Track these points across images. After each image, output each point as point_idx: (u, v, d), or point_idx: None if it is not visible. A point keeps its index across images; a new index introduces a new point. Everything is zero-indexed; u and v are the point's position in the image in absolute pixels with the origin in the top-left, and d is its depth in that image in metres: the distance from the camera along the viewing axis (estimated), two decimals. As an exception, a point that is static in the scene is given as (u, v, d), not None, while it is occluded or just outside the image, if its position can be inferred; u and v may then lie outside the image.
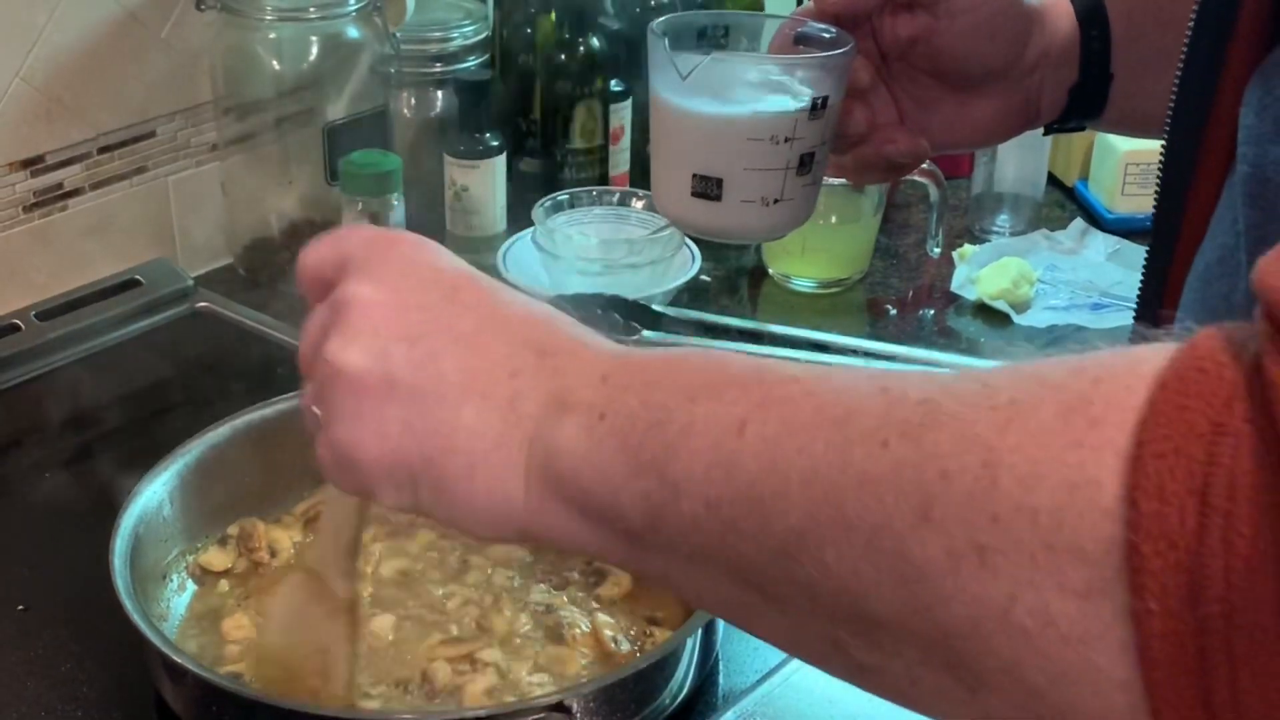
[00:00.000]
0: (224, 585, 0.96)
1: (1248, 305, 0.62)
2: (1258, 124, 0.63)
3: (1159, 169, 0.71)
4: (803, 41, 0.82)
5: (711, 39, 0.84)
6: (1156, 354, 0.41)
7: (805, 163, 0.80)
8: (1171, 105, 0.70)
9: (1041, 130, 0.89)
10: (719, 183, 0.80)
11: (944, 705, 0.45)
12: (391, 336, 0.56)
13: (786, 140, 0.79)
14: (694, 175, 0.81)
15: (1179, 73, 0.69)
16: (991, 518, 0.41)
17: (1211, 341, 0.41)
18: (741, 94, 0.80)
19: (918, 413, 0.44)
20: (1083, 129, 0.90)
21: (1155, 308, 0.71)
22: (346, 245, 0.61)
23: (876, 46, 0.84)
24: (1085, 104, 0.86)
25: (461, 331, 0.56)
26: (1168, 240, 0.70)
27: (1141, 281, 0.73)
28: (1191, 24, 0.68)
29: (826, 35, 0.81)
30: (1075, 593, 0.40)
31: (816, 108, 0.79)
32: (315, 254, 0.62)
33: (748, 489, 0.47)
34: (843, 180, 1.37)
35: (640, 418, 0.51)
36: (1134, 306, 0.74)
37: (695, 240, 1.37)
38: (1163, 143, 0.70)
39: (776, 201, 0.81)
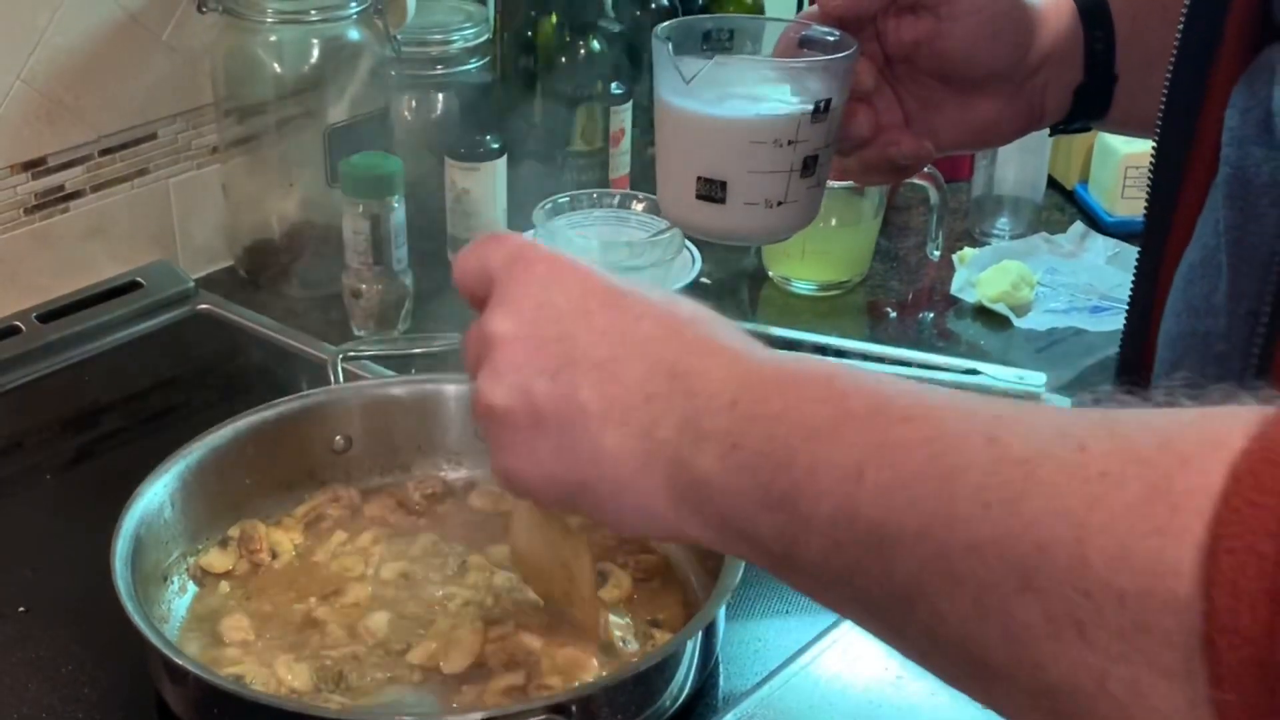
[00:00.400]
0: (224, 586, 0.96)
1: (1227, 307, 0.62)
2: (1240, 126, 0.63)
3: (1149, 171, 0.71)
4: (807, 45, 0.82)
5: (716, 43, 0.84)
6: (1238, 432, 0.42)
7: (809, 165, 0.81)
8: (1162, 108, 0.70)
9: (1047, 131, 0.89)
10: (723, 185, 0.80)
11: None
12: (533, 372, 0.60)
13: (790, 143, 0.79)
14: (698, 178, 0.81)
15: (1168, 76, 0.69)
16: (1084, 593, 0.43)
17: None
18: (744, 97, 0.80)
19: (1018, 475, 0.46)
20: (1088, 129, 0.90)
21: (1147, 309, 0.72)
22: (490, 262, 0.65)
23: (881, 49, 0.84)
24: (1090, 104, 0.86)
25: (598, 359, 0.59)
26: (1158, 241, 0.70)
27: (1133, 282, 0.73)
28: (1180, 29, 0.68)
29: (830, 38, 0.81)
30: (1164, 672, 0.42)
31: (819, 110, 0.79)
32: (463, 269, 0.66)
33: (867, 535, 0.49)
34: (845, 183, 1.39)
35: (767, 453, 0.53)
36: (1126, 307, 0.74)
37: (696, 243, 1.37)
38: (1153, 145, 0.70)
39: (780, 204, 0.81)
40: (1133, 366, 0.73)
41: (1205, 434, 0.43)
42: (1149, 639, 0.42)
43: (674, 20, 0.84)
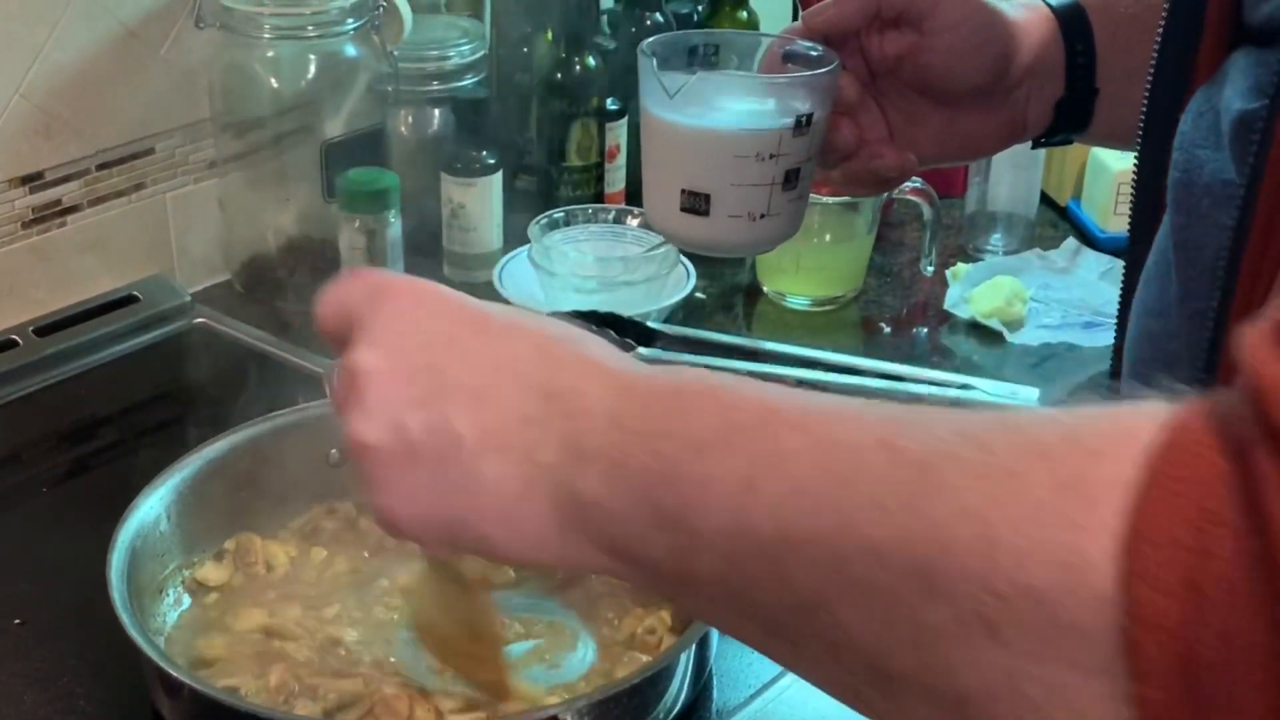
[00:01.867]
0: (214, 596, 0.96)
1: (1177, 308, 0.63)
2: (1192, 131, 0.63)
3: (1132, 186, 0.72)
4: (791, 60, 0.83)
5: (702, 58, 0.85)
6: (1148, 424, 0.41)
7: (791, 178, 0.81)
8: (1141, 121, 0.71)
9: (1029, 144, 0.89)
10: (706, 198, 0.81)
11: None
12: (402, 405, 0.58)
13: (772, 157, 0.80)
14: (682, 191, 0.82)
15: (1147, 89, 0.70)
16: (994, 593, 0.42)
17: (1199, 420, 0.41)
18: (727, 111, 0.81)
19: (917, 478, 0.45)
20: (1069, 142, 0.90)
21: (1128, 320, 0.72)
22: (350, 299, 0.62)
23: (865, 64, 0.85)
24: (1071, 117, 0.86)
25: (470, 386, 0.57)
26: (1141, 254, 0.71)
27: (1120, 295, 0.74)
28: (1157, 43, 0.69)
29: (814, 54, 0.82)
30: (1083, 670, 0.40)
31: (801, 125, 0.80)
32: (324, 310, 0.64)
33: (761, 548, 0.48)
34: (840, 199, 1.39)
35: (654, 470, 0.52)
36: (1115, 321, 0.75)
37: (690, 257, 1.38)
38: (1135, 158, 0.71)
39: (763, 216, 0.82)
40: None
41: (1116, 427, 0.42)
42: (1066, 637, 0.41)
43: (660, 35, 0.85)
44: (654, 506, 0.51)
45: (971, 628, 0.42)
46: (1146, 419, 0.42)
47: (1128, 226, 0.73)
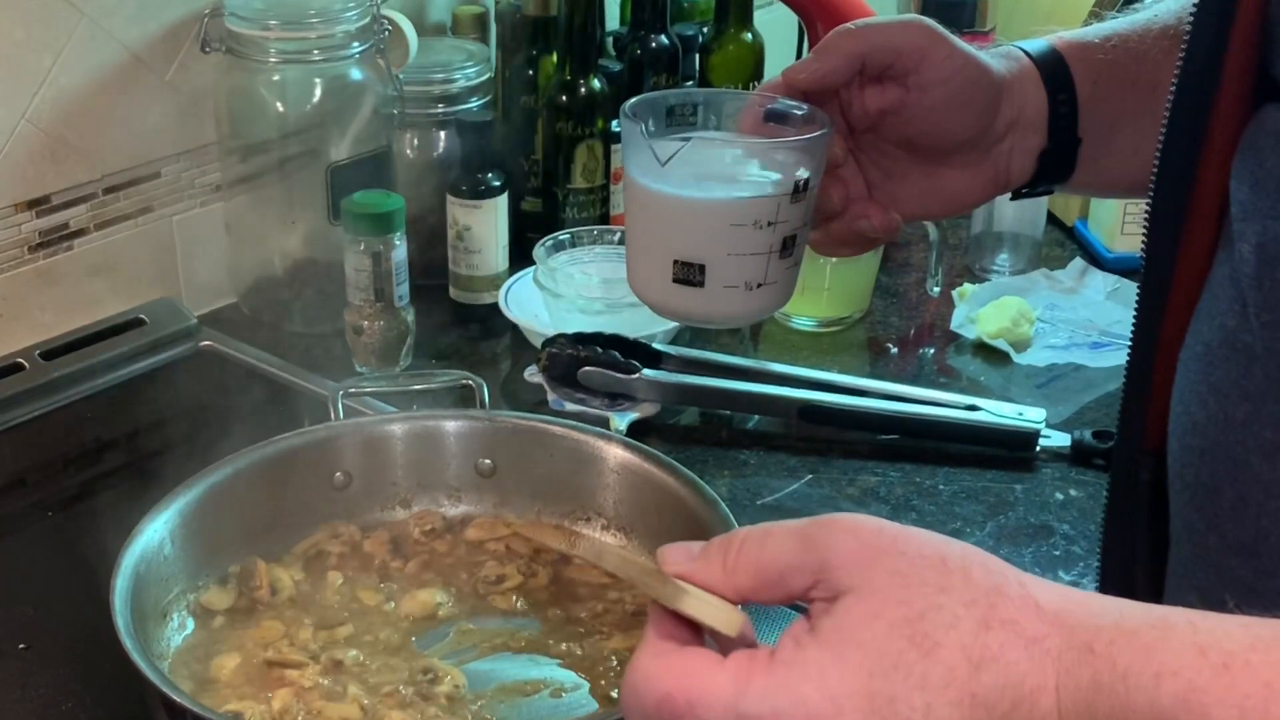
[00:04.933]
0: (218, 621, 0.96)
1: (1264, 391, 0.62)
2: (1254, 198, 0.62)
3: (1145, 221, 0.71)
4: (773, 118, 0.80)
5: (680, 118, 0.81)
6: None
7: (788, 245, 0.79)
8: (1158, 156, 0.70)
9: (1009, 196, 0.88)
10: (701, 269, 0.78)
11: None
12: None
13: (770, 224, 0.77)
14: (675, 261, 0.78)
15: (1164, 122, 0.69)
16: None
17: None
18: (722, 178, 0.78)
19: None
20: (1051, 192, 0.89)
21: (1150, 356, 0.71)
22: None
23: (845, 120, 0.82)
24: (1054, 168, 0.85)
25: None
26: (1161, 283, 0.70)
27: (1135, 321, 0.73)
28: (1178, 69, 0.68)
29: (798, 112, 0.80)
30: None
31: (799, 190, 0.77)
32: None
33: None
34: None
35: None
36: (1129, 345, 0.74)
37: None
38: (1150, 184, 0.70)
39: (760, 285, 0.79)
40: (1137, 414, 0.73)
41: None
42: None
43: (638, 98, 0.81)
44: None
45: None
46: None
47: (1141, 254, 0.72)
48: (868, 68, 0.81)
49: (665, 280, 0.79)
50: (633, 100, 0.80)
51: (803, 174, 0.78)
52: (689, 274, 0.78)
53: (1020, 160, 0.84)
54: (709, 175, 0.78)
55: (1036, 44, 0.85)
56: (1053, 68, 0.84)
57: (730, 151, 0.80)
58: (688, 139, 0.79)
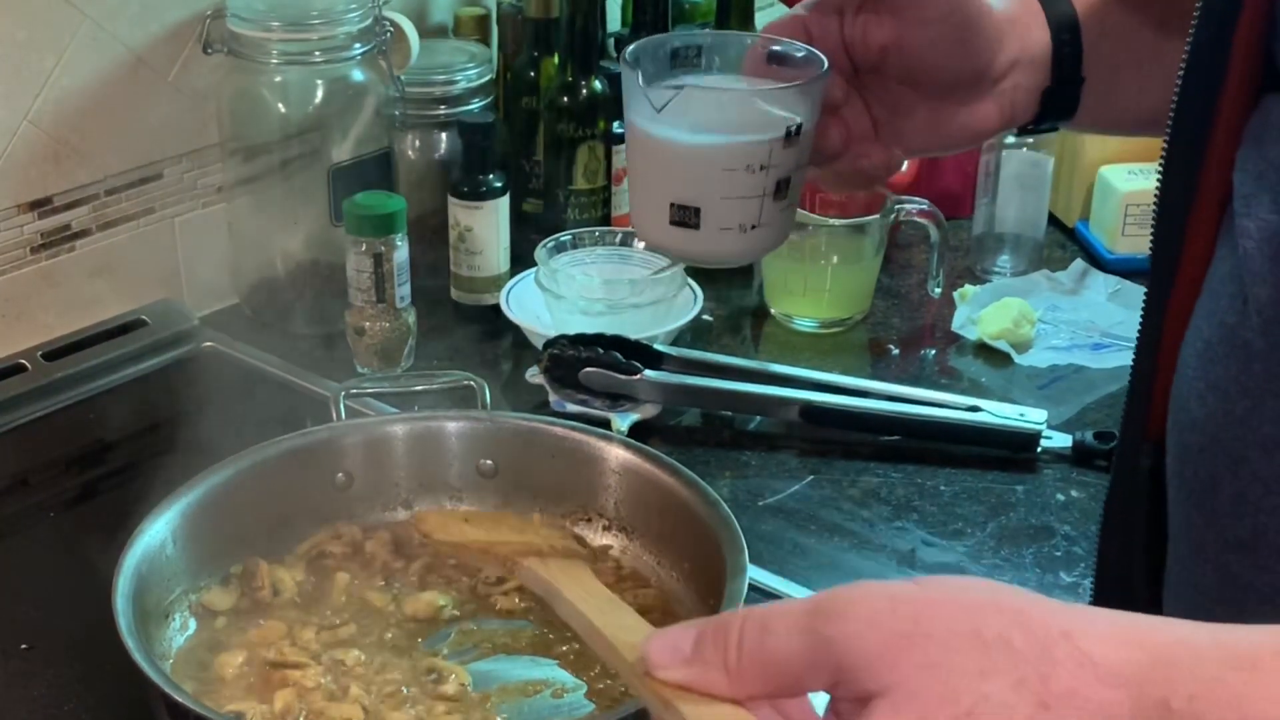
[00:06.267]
0: (221, 621, 0.96)
1: (1263, 387, 0.62)
2: (1257, 191, 0.61)
3: (1154, 211, 0.71)
4: (775, 60, 0.81)
5: (684, 60, 0.83)
6: None
7: (781, 188, 0.80)
8: (1165, 142, 0.70)
9: (1015, 131, 0.88)
10: (696, 211, 0.80)
11: None
12: None
13: (762, 168, 0.79)
14: (672, 204, 0.81)
15: (1169, 125, 0.69)
16: None
17: None
18: (716, 124, 0.80)
19: None
20: (1055, 130, 0.90)
21: (1153, 350, 0.71)
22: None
23: (849, 59, 0.83)
24: (1058, 107, 0.85)
25: None
26: (1165, 277, 0.70)
27: (1141, 319, 0.73)
28: (1183, 64, 0.68)
29: (799, 54, 0.81)
30: None
31: (791, 134, 0.79)
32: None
33: None
34: (847, 220, 1.39)
35: None
36: (1133, 346, 0.74)
37: (698, 279, 1.38)
38: (1158, 174, 0.70)
39: (754, 227, 0.81)
40: (1140, 406, 0.73)
41: None
42: None
43: (640, 41, 0.82)
44: None
45: None
46: None
47: (1149, 247, 0.72)
48: None
49: (664, 221, 0.81)
50: (635, 44, 0.82)
51: (795, 119, 0.79)
52: (685, 216, 0.80)
53: (1024, 97, 0.85)
54: (703, 121, 0.79)
55: None
56: (1059, 8, 0.84)
57: (723, 97, 0.82)
58: (682, 86, 0.81)
